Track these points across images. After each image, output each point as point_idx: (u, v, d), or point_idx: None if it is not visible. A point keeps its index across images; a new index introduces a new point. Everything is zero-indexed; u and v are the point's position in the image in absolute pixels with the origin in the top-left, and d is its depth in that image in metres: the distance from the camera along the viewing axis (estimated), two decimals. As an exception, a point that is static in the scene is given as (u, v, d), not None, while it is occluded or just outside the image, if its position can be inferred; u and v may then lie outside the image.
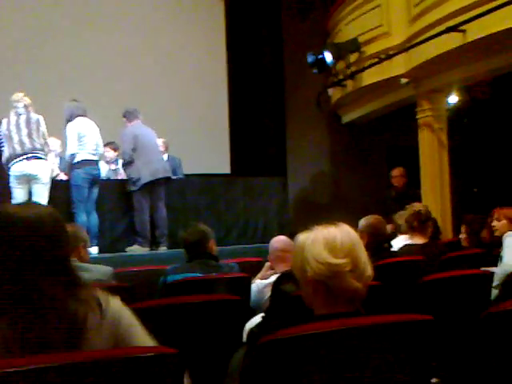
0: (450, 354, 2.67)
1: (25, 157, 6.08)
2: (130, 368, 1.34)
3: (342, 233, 1.84)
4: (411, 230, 4.71)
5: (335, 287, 1.80)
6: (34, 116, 6.26)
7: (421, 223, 4.68)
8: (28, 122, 6.20)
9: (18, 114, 6.22)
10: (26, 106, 6.26)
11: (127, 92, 9.02)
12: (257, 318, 2.86)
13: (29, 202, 1.70)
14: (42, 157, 6.18)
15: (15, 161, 6.10)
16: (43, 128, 6.26)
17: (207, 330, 2.63)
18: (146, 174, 6.89)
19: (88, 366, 1.28)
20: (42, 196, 6.14)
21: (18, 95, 6.31)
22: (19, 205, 1.60)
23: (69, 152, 6.53)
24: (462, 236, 5.23)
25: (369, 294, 1.83)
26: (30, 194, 6.19)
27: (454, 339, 2.80)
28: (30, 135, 6.15)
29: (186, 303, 2.65)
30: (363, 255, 1.83)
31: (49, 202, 6.15)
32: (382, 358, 1.63)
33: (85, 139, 6.52)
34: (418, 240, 4.63)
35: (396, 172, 8.17)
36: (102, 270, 3.63)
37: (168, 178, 7.23)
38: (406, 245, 4.61)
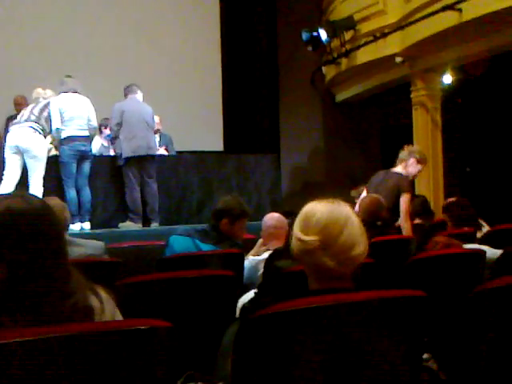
0: (441, 330, 2.70)
1: (18, 123, 6.20)
2: (122, 340, 1.34)
3: (326, 209, 1.81)
4: None
5: (309, 264, 1.81)
6: (45, 101, 6.45)
7: None
8: (36, 104, 6.40)
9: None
10: (45, 99, 6.48)
11: (121, 69, 9.02)
12: (250, 294, 2.87)
13: (15, 193, 1.65)
14: (36, 128, 6.16)
15: (10, 127, 6.27)
16: (48, 111, 6.34)
17: (200, 304, 2.64)
18: (126, 150, 6.90)
19: (81, 338, 1.28)
20: (36, 171, 6.14)
21: (38, 92, 6.59)
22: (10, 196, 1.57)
23: (53, 127, 6.51)
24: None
25: (362, 271, 1.83)
26: (25, 169, 6.21)
27: (446, 316, 2.82)
28: (31, 110, 6.31)
29: (180, 278, 2.66)
30: (346, 235, 1.77)
31: (44, 179, 6.21)
32: (375, 333, 1.64)
33: (68, 115, 6.47)
34: None
35: None
36: (94, 245, 3.63)
37: (153, 156, 7.18)
38: None
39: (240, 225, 3.97)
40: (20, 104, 7.34)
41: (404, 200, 5.22)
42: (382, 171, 5.68)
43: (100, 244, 3.71)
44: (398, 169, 5.50)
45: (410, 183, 5.48)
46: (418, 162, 5.53)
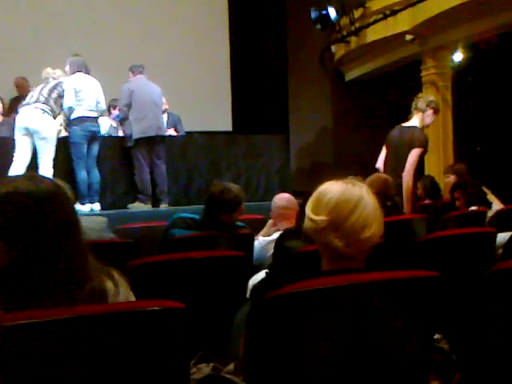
0: (452, 310, 2.69)
1: (27, 105, 6.16)
2: (136, 321, 1.35)
3: (338, 190, 1.78)
4: None
5: (319, 244, 1.80)
6: (55, 81, 6.39)
7: None
8: (46, 85, 6.34)
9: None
10: (55, 79, 6.42)
11: (129, 49, 8.99)
12: (260, 275, 2.87)
13: (25, 175, 1.63)
14: (45, 109, 6.15)
15: (20, 109, 6.21)
16: (58, 91, 6.29)
17: (211, 285, 2.64)
18: (136, 131, 6.88)
19: (95, 320, 1.28)
20: (46, 153, 6.13)
21: (48, 72, 6.49)
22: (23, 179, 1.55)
23: (66, 105, 6.47)
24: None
25: (373, 251, 1.82)
26: (35, 151, 6.19)
27: (457, 296, 2.81)
28: (40, 90, 6.24)
29: (190, 259, 2.66)
30: (356, 216, 1.74)
31: (54, 160, 6.19)
32: (387, 313, 1.63)
33: (81, 95, 6.45)
34: None
35: None
36: (95, 220, 3.61)
37: (162, 137, 7.17)
38: None
39: (238, 211, 3.86)
40: (21, 86, 7.31)
41: (413, 153, 4.95)
42: (396, 128, 5.32)
43: (102, 219, 3.67)
44: (414, 121, 5.17)
45: (425, 138, 5.13)
46: (435, 112, 5.22)
